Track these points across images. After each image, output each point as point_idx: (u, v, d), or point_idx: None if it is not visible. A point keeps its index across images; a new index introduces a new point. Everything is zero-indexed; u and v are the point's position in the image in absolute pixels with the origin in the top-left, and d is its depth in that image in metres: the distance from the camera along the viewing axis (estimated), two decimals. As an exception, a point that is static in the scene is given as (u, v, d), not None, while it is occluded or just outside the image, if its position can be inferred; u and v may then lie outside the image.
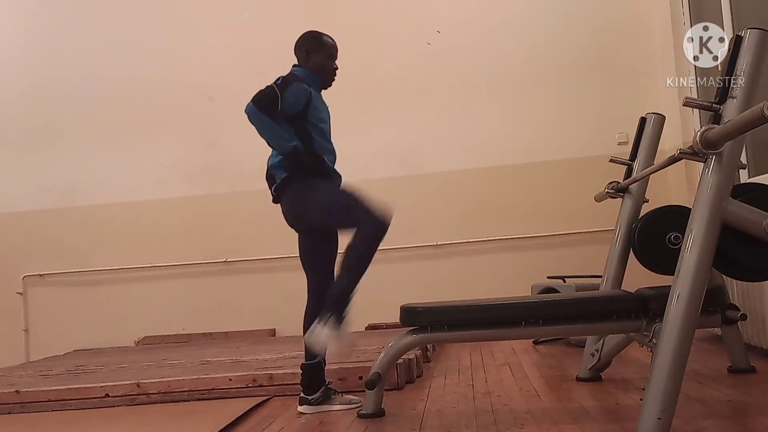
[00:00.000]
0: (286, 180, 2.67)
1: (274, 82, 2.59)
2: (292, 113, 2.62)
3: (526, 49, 5.36)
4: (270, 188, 2.77)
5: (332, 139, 2.80)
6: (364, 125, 5.26)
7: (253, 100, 2.53)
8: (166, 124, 5.67)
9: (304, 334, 2.72)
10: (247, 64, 5.06)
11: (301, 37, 2.82)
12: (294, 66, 2.80)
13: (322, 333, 2.39)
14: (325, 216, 2.67)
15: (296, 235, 2.80)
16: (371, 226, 2.49)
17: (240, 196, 5.38)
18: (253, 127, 2.60)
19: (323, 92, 2.84)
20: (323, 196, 2.65)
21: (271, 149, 2.75)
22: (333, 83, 2.83)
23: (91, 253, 5.67)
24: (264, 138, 2.63)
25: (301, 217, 2.71)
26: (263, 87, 2.57)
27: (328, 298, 2.50)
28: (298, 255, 2.79)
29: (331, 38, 2.82)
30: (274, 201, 2.78)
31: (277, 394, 3.07)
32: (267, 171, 2.77)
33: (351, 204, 2.57)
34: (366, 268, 2.50)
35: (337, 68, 2.82)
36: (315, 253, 2.76)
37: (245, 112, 2.54)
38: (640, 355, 3.40)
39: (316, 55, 2.77)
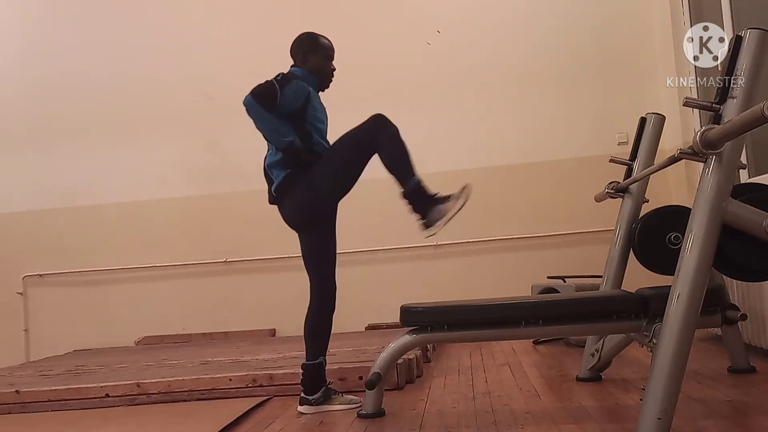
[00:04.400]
0: (288, 179, 2.66)
1: (274, 78, 2.59)
2: (290, 110, 2.62)
3: (526, 49, 5.36)
4: (269, 189, 2.76)
5: (331, 140, 2.80)
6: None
7: (252, 93, 2.54)
8: (166, 124, 5.67)
9: (305, 333, 2.73)
10: (248, 65, 5.03)
11: (297, 38, 2.82)
12: (292, 66, 2.80)
13: (440, 214, 2.49)
14: (345, 174, 2.68)
15: (296, 234, 2.80)
16: (380, 130, 2.62)
17: (240, 196, 5.38)
18: (252, 123, 2.61)
19: (321, 94, 2.84)
20: (328, 169, 2.65)
21: (267, 148, 2.75)
22: (330, 84, 2.83)
23: (91, 253, 5.67)
24: (261, 131, 2.63)
25: (311, 210, 2.68)
26: (262, 82, 2.57)
27: (414, 202, 2.54)
28: (297, 255, 2.78)
29: (327, 39, 2.82)
30: (271, 201, 2.77)
31: (277, 394, 3.07)
32: (264, 170, 2.77)
33: (351, 139, 2.63)
34: (407, 153, 2.62)
35: (334, 69, 2.82)
36: (316, 252, 2.76)
37: (243, 103, 2.54)
38: (640, 355, 3.40)
39: (313, 57, 2.76)
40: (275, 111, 2.57)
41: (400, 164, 2.58)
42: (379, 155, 2.61)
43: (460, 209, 2.48)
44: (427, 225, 2.51)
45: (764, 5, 3.85)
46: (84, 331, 5.59)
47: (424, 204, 2.52)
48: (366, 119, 2.63)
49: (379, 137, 2.60)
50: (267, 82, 2.57)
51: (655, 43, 5.16)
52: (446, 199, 2.51)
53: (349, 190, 2.73)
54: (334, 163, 2.67)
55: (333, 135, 2.81)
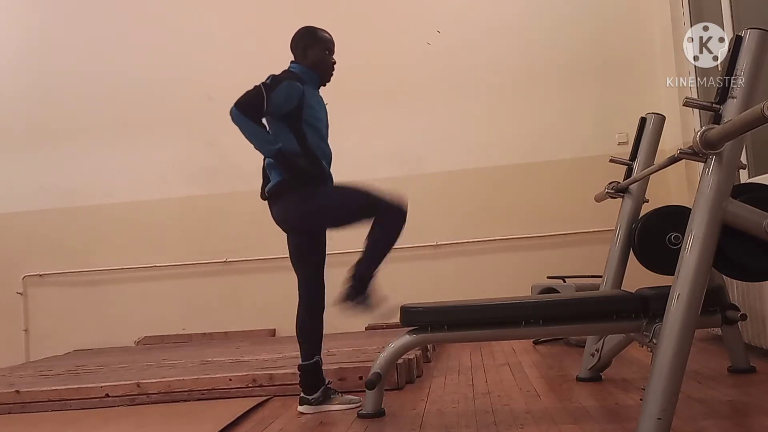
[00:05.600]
0: (283, 184, 2.64)
1: (263, 82, 2.56)
2: (283, 112, 2.59)
3: (526, 49, 5.36)
4: (263, 185, 2.75)
5: (332, 139, 2.79)
6: (364, 125, 5.25)
7: (236, 103, 2.51)
8: (166, 124, 5.67)
9: (296, 333, 2.74)
10: (248, 64, 5.03)
11: (297, 33, 2.79)
12: (292, 62, 2.78)
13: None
14: (338, 217, 2.73)
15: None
16: (392, 216, 2.64)
17: (240, 196, 5.36)
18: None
19: (322, 90, 2.83)
20: (328, 200, 2.69)
21: None
22: (332, 79, 2.80)
23: (91, 253, 5.67)
24: (248, 140, 2.61)
25: (299, 222, 2.71)
26: (251, 87, 2.55)
27: (356, 282, 2.62)
28: (297, 255, 2.79)
29: (327, 32, 2.80)
30: (263, 197, 2.76)
31: (277, 394, 3.07)
32: (263, 168, 2.76)
33: (363, 199, 2.68)
34: (389, 251, 2.67)
35: (335, 62, 2.80)
36: (303, 253, 2.76)
37: (229, 114, 2.52)
38: (640, 355, 3.40)
39: (313, 50, 2.74)
40: (262, 117, 2.56)
41: (377, 253, 2.65)
42: (372, 225, 2.66)
43: (366, 310, 2.64)
44: (346, 299, 2.61)
45: (764, 5, 3.85)
46: (84, 331, 5.59)
47: (359, 292, 2.62)
48: (393, 199, 2.65)
49: (386, 221, 2.66)
50: (254, 88, 2.54)
51: (655, 43, 5.16)
52: (368, 300, 2.63)
53: (336, 228, 2.80)
54: (337, 202, 2.72)
55: (332, 135, 2.81)
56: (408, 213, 2.67)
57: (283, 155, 2.59)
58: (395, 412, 2.61)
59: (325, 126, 2.77)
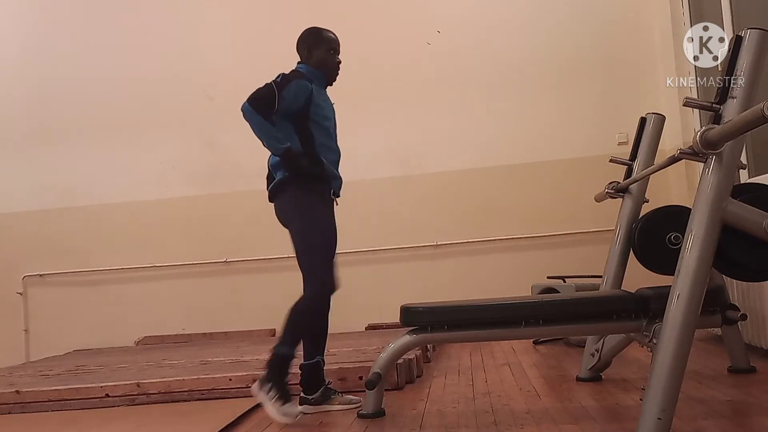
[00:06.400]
0: (283, 182, 2.65)
1: (274, 80, 2.58)
2: (292, 111, 2.61)
3: (526, 49, 5.36)
4: (267, 187, 2.76)
5: (338, 141, 2.80)
6: (364, 125, 5.25)
7: (249, 99, 2.53)
8: (166, 124, 5.68)
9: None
10: (248, 64, 5.05)
11: (302, 34, 2.81)
12: (298, 63, 2.79)
13: (268, 407, 2.43)
14: (298, 243, 2.66)
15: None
16: (312, 293, 2.56)
17: (240, 196, 5.38)
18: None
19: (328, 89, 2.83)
20: (304, 224, 2.64)
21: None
22: (337, 78, 2.81)
23: (91, 253, 5.67)
24: (258, 137, 2.62)
25: (286, 223, 2.71)
26: (261, 85, 2.57)
27: (268, 369, 2.49)
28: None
29: (332, 33, 2.80)
30: (270, 199, 2.77)
31: (277, 394, 3.06)
32: (268, 170, 2.77)
33: (313, 254, 2.60)
34: (304, 335, 2.57)
35: (340, 62, 2.80)
36: (304, 245, 2.74)
37: (241, 110, 2.54)
38: (640, 355, 3.41)
39: (318, 51, 2.75)
40: (273, 115, 2.57)
41: (292, 329, 2.55)
42: (300, 299, 2.59)
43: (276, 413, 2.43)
44: (258, 389, 2.46)
45: (764, 5, 3.85)
46: (84, 331, 5.59)
47: (272, 383, 2.45)
48: (329, 280, 2.61)
49: (310, 285, 2.60)
50: (265, 86, 2.56)
51: (655, 43, 5.16)
52: (288, 401, 2.46)
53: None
54: (306, 236, 2.65)
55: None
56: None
57: (291, 153, 2.60)
58: (395, 412, 2.61)
59: (333, 125, 2.78)
